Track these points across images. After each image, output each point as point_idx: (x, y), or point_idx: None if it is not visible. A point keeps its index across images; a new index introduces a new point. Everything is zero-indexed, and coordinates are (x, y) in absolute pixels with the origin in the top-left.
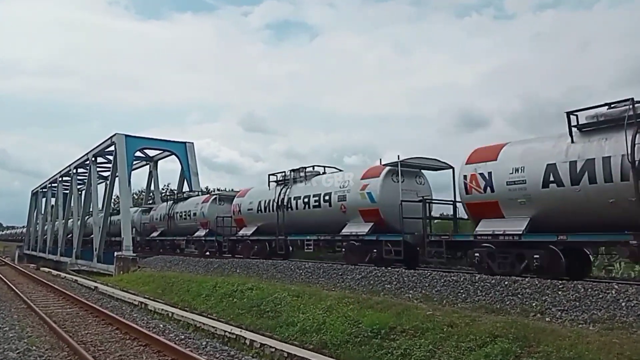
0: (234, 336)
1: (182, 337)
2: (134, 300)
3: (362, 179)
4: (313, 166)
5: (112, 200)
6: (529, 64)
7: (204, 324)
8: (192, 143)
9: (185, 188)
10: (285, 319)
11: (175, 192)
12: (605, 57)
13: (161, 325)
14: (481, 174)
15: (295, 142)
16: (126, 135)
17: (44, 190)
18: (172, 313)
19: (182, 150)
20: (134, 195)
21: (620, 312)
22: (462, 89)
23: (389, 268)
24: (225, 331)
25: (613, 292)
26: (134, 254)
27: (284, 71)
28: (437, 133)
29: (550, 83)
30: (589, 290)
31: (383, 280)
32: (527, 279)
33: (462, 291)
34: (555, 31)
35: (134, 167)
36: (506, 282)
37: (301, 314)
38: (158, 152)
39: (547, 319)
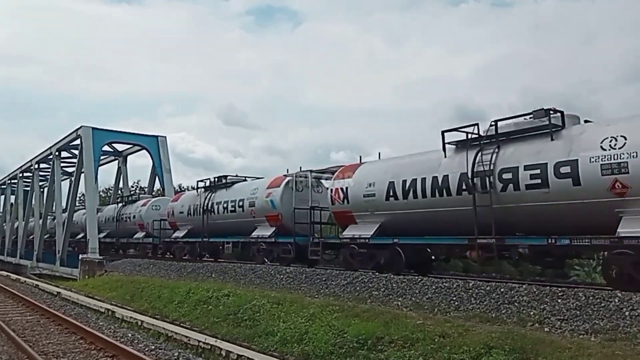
0: (209, 346)
1: (153, 347)
2: (100, 307)
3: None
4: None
5: (78, 198)
6: (528, 56)
7: (176, 333)
8: (165, 137)
9: (157, 185)
10: (264, 328)
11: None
12: (611, 49)
13: (129, 335)
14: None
15: (277, 138)
16: (93, 128)
17: (2, 187)
18: (142, 321)
19: (153, 145)
20: (101, 193)
21: (623, 322)
22: (457, 82)
23: (377, 274)
24: (199, 341)
25: (616, 300)
26: (101, 257)
27: (266, 61)
28: (430, 128)
29: (551, 77)
30: (590, 298)
31: (370, 287)
32: (524, 286)
33: (455, 298)
34: (556, 21)
35: (101, 162)
36: (502, 290)
37: (281, 322)
38: (128, 146)
39: (545, 329)
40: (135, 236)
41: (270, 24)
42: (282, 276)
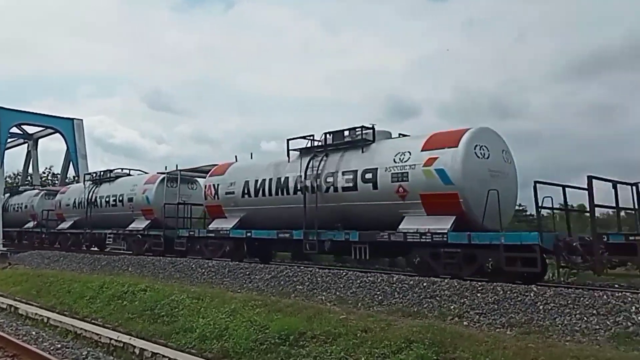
0: (121, 344)
1: (59, 346)
2: (2, 303)
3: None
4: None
5: None
6: (462, 52)
7: (86, 330)
8: (82, 120)
9: (71, 172)
10: (182, 324)
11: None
12: (541, 49)
13: (34, 332)
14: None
15: (206, 125)
16: None
17: None
18: (48, 318)
19: (68, 128)
20: (7, 178)
21: (537, 316)
22: (392, 75)
23: (301, 267)
24: (111, 338)
25: (532, 294)
26: (4, 249)
27: (196, 43)
28: (364, 121)
29: (484, 73)
30: (508, 292)
31: (295, 281)
32: (445, 281)
33: (378, 293)
34: (490, 18)
35: (8, 145)
36: (425, 284)
37: (201, 318)
38: (39, 129)
39: (464, 323)
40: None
41: (200, 4)
42: (203, 270)
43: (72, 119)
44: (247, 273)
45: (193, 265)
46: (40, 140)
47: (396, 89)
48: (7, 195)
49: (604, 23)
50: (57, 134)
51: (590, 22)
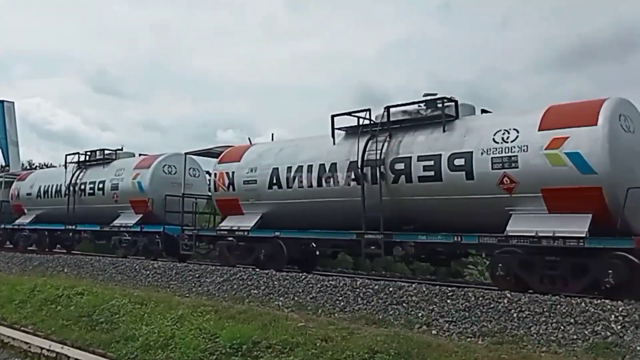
0: (54, 354)
1: None
2: None
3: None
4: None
5: None
6: (438, 37)
7: (14, 338)
8: (12, 103)
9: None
10: (123, 332)
11: None
12: (525, 37)
13: None
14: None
15: (158, 111)
16: None
17: None
18: None
19: None
20: None
21: (511, 324)
22: (362, 60)
23: (257, 270)
24: (42, 348)
25: (505, 301)
26: None
27: (148, 20)
28: (331, 109)
29: (462, 61)
30: (480, 299)
31: (249, 285)
32: (413, 286)
33: (340, 298)
34: (469, 2)
35: None
36: (391, 289)
37: (144, 325)
38: None
39: (433, 332)
40: None
41: None
42: (148, 272)
43: (2, 101)
44: (197, 276)
45: (137, 267)
46: None
47: (367, 75)
48: None
49: (593, 11)
50: None
51: (578, 9)
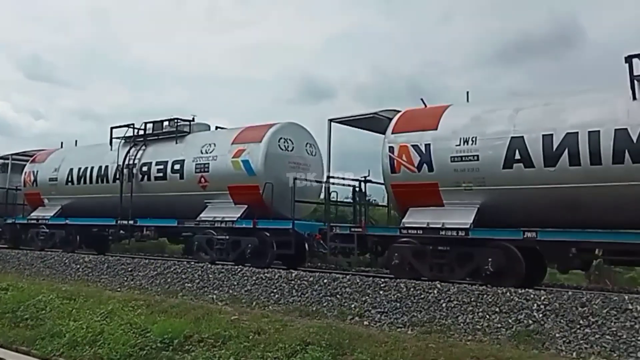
0: None
1: None
2: None
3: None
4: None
5: None
6: (382, 30)
7: None
8: None
9: None
10: (49, 328)
11: None
12: (466, 31)
13: None
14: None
15: (93, 99)
16: None
17: None
18: None
19: None
20: None
21: (439, 314)
22: (306, 52)
23: (192, 263)
24: None
25: (435, 291)
26: None
27: (85, 4)
28: (274, 102)
29: (404, 55)
30: (412, 289)
31: (183, 278)
32: (347, 277)
33: (275, 290)
34: None
35: None
36: (325, 281)
37: (72, 321)
38: None
39: (365, 323)
40: None
41: None
42: (78, 266)
43: None
44: (130, 269)
45: (66, 261)
46: None
47: (310, 67)
48: None
49: (532, 7)
50: None
51: (516, 4)
